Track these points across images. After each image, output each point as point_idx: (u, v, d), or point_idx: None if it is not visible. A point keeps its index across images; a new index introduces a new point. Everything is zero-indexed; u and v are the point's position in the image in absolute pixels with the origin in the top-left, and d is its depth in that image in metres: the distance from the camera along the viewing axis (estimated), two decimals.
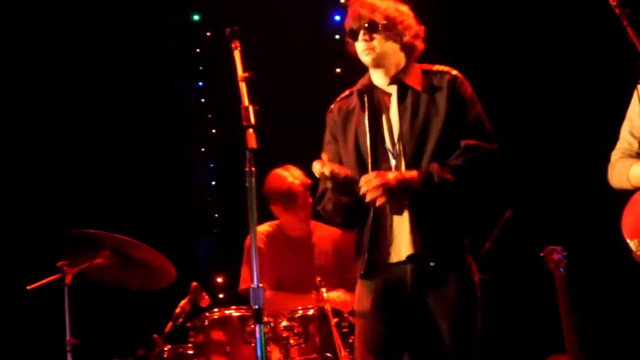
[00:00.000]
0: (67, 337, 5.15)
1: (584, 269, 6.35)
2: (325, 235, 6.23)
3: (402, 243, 4.43)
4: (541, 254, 6.13)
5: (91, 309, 6.45)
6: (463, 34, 7.37)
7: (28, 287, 5.34)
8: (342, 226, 4.96)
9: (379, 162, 4.48)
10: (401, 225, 4.43)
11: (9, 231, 7.15)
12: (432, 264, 4.38)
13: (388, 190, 4.30)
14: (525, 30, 7.26)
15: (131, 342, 5.70)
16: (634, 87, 4.20)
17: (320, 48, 7.93)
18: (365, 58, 4.58)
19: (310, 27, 7.95)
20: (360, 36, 4.56)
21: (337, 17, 7.78)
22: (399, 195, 4.34)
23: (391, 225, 4.44)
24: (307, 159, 4.54)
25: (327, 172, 4.31)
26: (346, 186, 4.39)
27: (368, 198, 4.32)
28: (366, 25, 4.55)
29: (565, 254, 6.08)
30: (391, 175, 4.34)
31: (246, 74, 4.00)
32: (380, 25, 4.54)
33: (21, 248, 6.98)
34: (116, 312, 7.13)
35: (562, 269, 6.05)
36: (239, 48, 4.08)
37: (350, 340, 5.19)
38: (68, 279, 5.20)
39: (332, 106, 4.76)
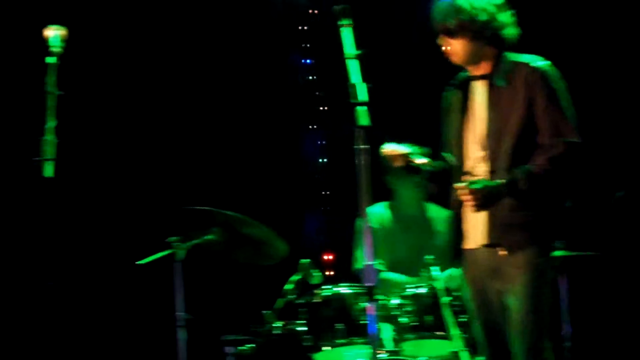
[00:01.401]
0: (178, 313, 5.20)
1: None
2: (438, 215, 6.19)
3: (477, 232, 4.56)
4: None
5: (203, 284, 6.50)
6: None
7: (138, 263, 5.39)
8: None
9: (468, 156, 4.60)
10: (478, 216, 4.52)
11: (123, 207, 7.24)
12: (502, 253, 4.47)
13: (477, 203, 4.39)
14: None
15: (242, 319, 5.73)
16: None
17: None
18: (452, 61, 4.61)
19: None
20: (441, 42, 4.59)
21: None
22: (486, 206, 4.43)
23: (471, 215, 4.56)
24: (424, 137, 4.68)
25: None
26: (438, 175, 4.66)
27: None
28: (442, 31, 4.56)
29: None
30: (479, 186, 4.39)
31: (357, 52, 3.97)
32: (454, 30, 4.51)
33: (134, 224, 7.06)
34: (227, 289, 7.18)
35: None
36: (348, 25, 4.05)
37: (461, 319, 5.14)
38: (179, 255, 5.24)
39: (445, 92, 4.80)
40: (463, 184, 4.43)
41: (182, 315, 5.18)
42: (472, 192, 4.38)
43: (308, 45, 8.23)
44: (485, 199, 4.39)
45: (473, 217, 4.55)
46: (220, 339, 5.62)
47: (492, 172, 4.47)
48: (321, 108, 8.18)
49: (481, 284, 4.60)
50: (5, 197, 6.85)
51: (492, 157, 4.48)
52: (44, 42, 4.12)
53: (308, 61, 8.27)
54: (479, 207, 4.40)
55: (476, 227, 4.56)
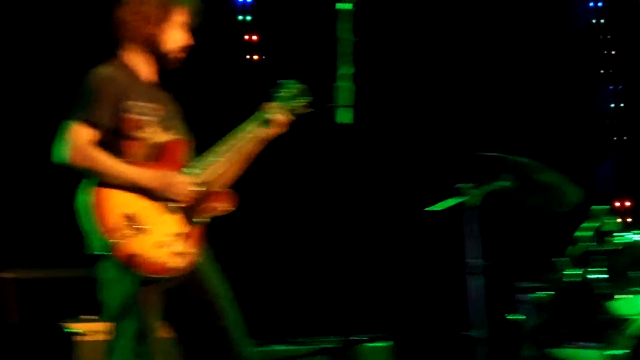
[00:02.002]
0: (468, 260, 5.18)
1: None
2: None
3: None
4: None
5: (494, 231, 6.46)
6: None
7: (428, 209, 5.42)
8: None
9: None
10: None
11: (416, 154, 7.30)
12: None
13: None
14: None
15: (535, 266, 5.66)
16: None
17: None
18: None
19: None
20: None
21: None
22: None
23: None
24: None
25: None
26: None
27: None
28: None
29: None
30: None
31: None
32: None
33: (426, 170, 7.11)
34: (519, 235, 7.11)
35: None
36: None
37: None
38: (470, 202, 5.21)
39: None
40: None
41: (478, 262, 5.16)
42: None
43: None
44: None
45: None
46: (513, 286, 5.57)
47: None
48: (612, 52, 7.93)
49: None
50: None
51: None
52: None
53: (599, 4, 8.03)
54: None
55: None
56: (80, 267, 4.57)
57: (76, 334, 5.54)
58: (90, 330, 5.55)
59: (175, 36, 4.41)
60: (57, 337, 5.58)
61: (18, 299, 5.92)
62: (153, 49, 4.39)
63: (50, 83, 6.87)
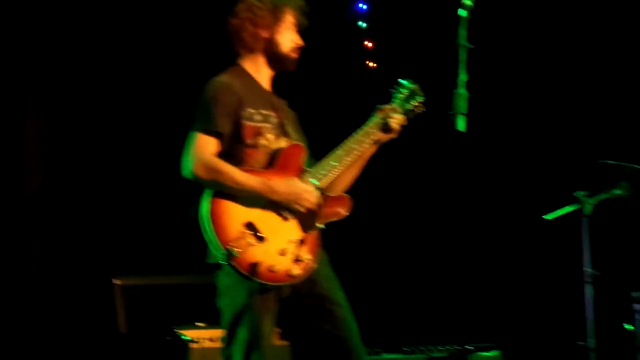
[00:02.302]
0: (585, 268, 5.10)
1: None
2: None
3: None
4: None
5: (610, 240, 6.35)
6: None
7: (545, 217, 5.35)
8: None
9: None
10: None
11: (533, 160, 7.24)
12: None
13: None
14: None
15: None
16: None
17: None
18: None
19: None
20: None
21: None
22: None
23: None
24: None
25: None
26: None
27: None
28: None
29: None
30: None
31: None
32: None
33: (542, 178, 7.03)
34: (636, 244, 6.97)
35: None
36: None
37: None
38: (587, 209, 5.14)
39: None
40: None
41: (590, 271, 5.09)
42: None
43: None
44: None
45: None
46: (629, 295, 5.46)
47: None
48: None
49: None
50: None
51: None
52: None
53: None
54: None
55: None
56: (197, 274, 4.63)
57: (190, 341, 5.59)
58: (204, 337, 5.59)
59: (289, 37, 4.45)
60: (171, 344, 5.64)
61: (128, 305, 5.99)
62: (271, 52, 4.43)
63: (177, 93, 6.97)
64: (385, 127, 4.45)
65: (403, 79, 4.56)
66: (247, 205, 4.13)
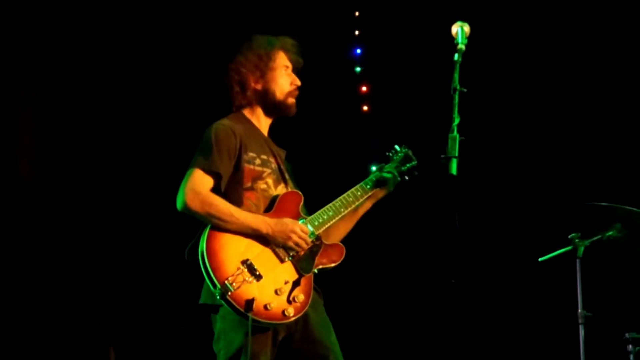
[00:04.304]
0: (579, 310, 5.12)
1: None
2: None
3: None
4: None
5: (603, 281, 6.37)
6: None
7: (540, 259, 5.38)
8: None
9: None
10: None
11: (523, 203, 7.27)
12: None
13: None
14: None
15: None
16: None
17: None
18: None
19: None
20: None
21: None
22: None
23: None
24: None
25: None
26: None
27: None
28: None
29: None
30: None
31: None
32: None
33: (535, 220, 7.05)
34: (628, 285, 6.99)
35: None
36: None
37: None
38: (580, 251, 5.17)
39: None
40: None
41: (583, 312, 5.11)
42: None
43: None
44: None
45: None
46: (622, 337, 5.47)
47: None
48: None
49: None
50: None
51: None
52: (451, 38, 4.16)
53: None
54: None
55: None
56: (192, 317, 4.64)
57: None
58: None
59: (283, 82, 4.51)
60: None
61: (116, 349, 5.96)
62: (266, 102, 4.50)
63: (175, 90, 6.98)
64: (381, 185, 4.68)
65: (399, 145, 4.87)
66: (245, 243, 4.18)
